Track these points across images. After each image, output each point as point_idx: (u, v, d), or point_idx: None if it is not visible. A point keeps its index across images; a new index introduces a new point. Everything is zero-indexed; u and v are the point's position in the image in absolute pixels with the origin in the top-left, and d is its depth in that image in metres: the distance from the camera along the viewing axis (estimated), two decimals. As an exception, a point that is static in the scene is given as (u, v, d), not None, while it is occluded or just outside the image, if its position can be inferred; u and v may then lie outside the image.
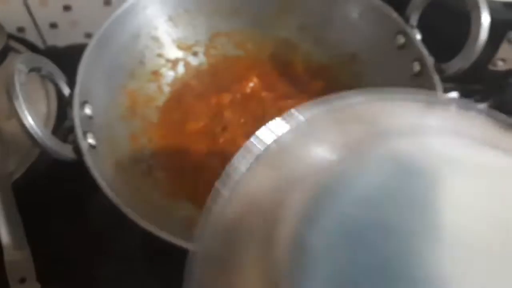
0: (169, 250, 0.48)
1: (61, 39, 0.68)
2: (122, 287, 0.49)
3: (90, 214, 0.54)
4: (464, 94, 0.59)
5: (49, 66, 0.43)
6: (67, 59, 0.47)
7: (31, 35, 0.67)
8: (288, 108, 0.55)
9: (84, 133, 0.43)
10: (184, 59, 0.58)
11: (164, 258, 0.50)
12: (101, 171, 0.41)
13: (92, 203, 0.54)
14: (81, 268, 0.49)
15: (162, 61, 0.57)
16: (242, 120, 0.54)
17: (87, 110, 0.45)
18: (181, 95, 0.57)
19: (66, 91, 0.45)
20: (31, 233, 0.47)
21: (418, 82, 0.49)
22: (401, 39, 0.51)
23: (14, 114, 0.38)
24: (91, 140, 0.43)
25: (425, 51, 0.49)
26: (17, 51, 0.63)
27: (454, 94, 0.49)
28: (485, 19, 0.45)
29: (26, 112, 0.38)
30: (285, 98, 0.56)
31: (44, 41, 0.68)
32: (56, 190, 0.53)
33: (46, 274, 0.45)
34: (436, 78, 0.47)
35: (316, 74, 0.58)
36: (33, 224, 0.48)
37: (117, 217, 0.50)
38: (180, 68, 0.58)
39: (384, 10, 0.52)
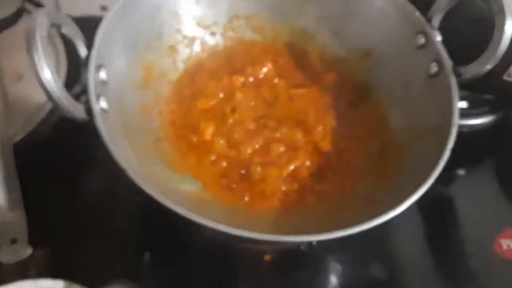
0: (163, 224, 0.49)
1: (76, 9, 0.67)
2: (113, 259, 0.48)
3: (86, 184, 0.54)
4: (475, 104, 0.59)
5: (70, 24, 0.43)
6: (81, 30, 0.46)
7: (46, 1, 0.66)
8: (298, 96, 0.55)
9: (97, 96, 0.42)
10: (201, 38, 0.58)
11: (157, 232, 0.50)
12: (110, 135, 0.41)
13: (89, 174, 0.54)
14: (71, 235, 0.49)
15: (180, 37, 0.57)
16: (252, 104, 0.54)
17: (102, 74, 0.44)
18: (194, 72, 0.56)
19: (83, 52, 0.44)
20: (24, 196, 0.47)
21: (434, 83, 0.49)
22: (421, 39, 0.51)
23: (32, 67, 0.37)
24: (103, 104, 0.43)
25: (444, 53, 0.49)
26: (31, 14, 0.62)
27: (463, 104, 0.48)
28: (509, 26, 0.45)
29: (44, 66, 0.37)
30: (297, 86, 0.56)
31: (59, 9, 0.67)
32: (54, 157, 0.53)
33: (35, 238, 0.45)
34: (454, 80, 0.47)
35: (330, 66, 0.58)
36: (27, 188, 0.47)
37: (114, 188, 0.50)
38: (196, 46, 0.58)
39: (406, 9, 0.52)
